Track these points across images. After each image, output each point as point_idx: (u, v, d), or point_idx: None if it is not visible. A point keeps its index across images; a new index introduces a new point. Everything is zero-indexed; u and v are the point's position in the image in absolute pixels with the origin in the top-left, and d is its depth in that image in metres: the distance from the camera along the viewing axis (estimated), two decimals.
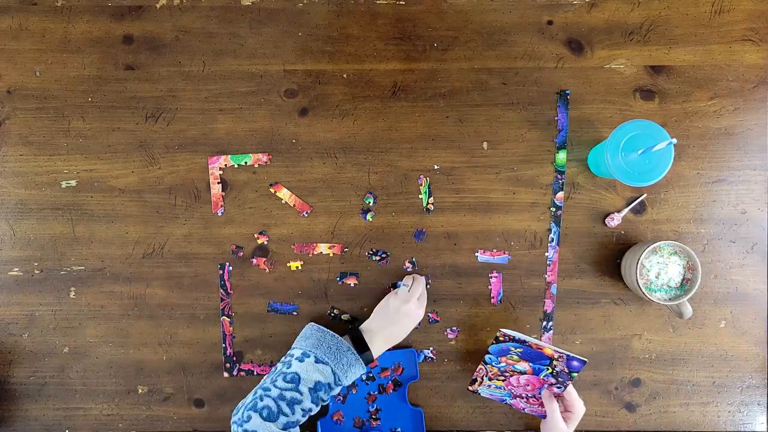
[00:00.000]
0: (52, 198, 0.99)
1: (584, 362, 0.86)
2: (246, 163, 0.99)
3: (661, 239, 0.93)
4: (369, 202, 0.99)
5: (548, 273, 0.99)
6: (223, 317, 0.99)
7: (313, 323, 0.93)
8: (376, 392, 0.98)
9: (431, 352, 1.00)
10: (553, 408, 0.90)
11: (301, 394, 0.84)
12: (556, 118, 0.98)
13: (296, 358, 0.87)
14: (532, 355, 0.88)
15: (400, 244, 0.99)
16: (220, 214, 0.98)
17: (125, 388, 1.00)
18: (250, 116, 0.99)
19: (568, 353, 0.86)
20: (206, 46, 0.99)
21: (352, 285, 0.99)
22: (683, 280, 0.92)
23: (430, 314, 0.99)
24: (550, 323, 0.99)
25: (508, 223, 0.99)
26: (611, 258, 0.99)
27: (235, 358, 1.00)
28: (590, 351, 0.99)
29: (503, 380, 0.93)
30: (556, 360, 0.87)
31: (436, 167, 0.99)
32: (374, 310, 0.95)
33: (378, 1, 0.99)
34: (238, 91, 0.99)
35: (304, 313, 1.00)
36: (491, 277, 0.99)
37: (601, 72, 0.99)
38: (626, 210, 0.98)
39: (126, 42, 0.99)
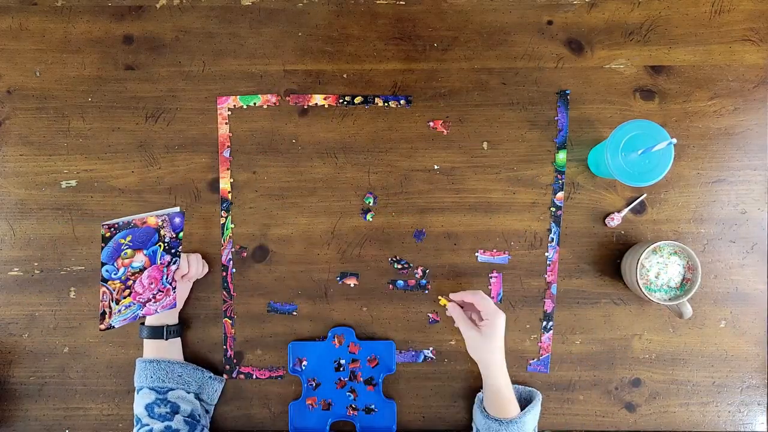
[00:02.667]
0: (52, 198, 0.99)
1: (182, 213, 0.85)
2: (255, 104, 0.99)
3: (661, 239, 0.93)
4: (369, 202, 0.99)
5: (548, 273, 0.99)
6: (225, 319, 0.99)
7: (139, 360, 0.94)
8: (347, 378, 0.98)
9: (431, 352, 1.00)
10: (459, 319, 0.91)
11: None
12: (556, 118, 0.99)
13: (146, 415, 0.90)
14: (142, 239, 0.83)
15: (400, 244, 0.99)
16: (227, 155, 0.98)
17: (125, 388, 1.00)
18: (250, 116, 0.99)
19: (168, 211, 0.83)
20: (206, 46, 0.99)
21: (352, 285, 0.99)
22: (683, 280, 0.92)
23: (430, 314, 0.99)
24: (550, 323, 0.99)
25: (508, 223, 0.99)
26: (611, 258, 0.99)
27: (235, 360, 1.00)
28: (590, 351, 0.99)
29: (129, 293, 0.87)
30: (163, 228, 0.84)
31: (436, 167, 0.99)
32: None
33: (378, 1, 0.99)
34: (238, 91, 0.99)
35: (304, 313, 1.00)
36: (491, 277, 0.99)
37: (601, 72, 0.99)
38: (626, 210, 0.98)
39: (126, 42, 0.99)
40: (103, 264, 0.81)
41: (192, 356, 0.99)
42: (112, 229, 0.79)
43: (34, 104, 0.99)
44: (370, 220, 0.99)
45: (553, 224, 0.99)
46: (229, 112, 0.99)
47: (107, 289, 0.83)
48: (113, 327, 0.86)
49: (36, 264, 0.99)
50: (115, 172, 0.99)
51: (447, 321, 1.00)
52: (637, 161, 0.85)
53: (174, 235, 0.85)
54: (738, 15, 0.99)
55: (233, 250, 0.99)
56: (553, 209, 0.99)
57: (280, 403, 1.00)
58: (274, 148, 0.99)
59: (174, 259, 0.87)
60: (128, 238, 0.81)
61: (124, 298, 0.85)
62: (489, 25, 0.99)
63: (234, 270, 0.99)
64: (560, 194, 0.99)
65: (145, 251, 0.84)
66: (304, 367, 0.98)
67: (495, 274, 0.99)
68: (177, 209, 0.84)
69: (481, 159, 0.99)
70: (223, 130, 0.99)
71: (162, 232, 0.84)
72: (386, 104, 0.98)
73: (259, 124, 0.99)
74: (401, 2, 0.99)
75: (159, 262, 0.86)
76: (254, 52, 0.99)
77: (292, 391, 0.99)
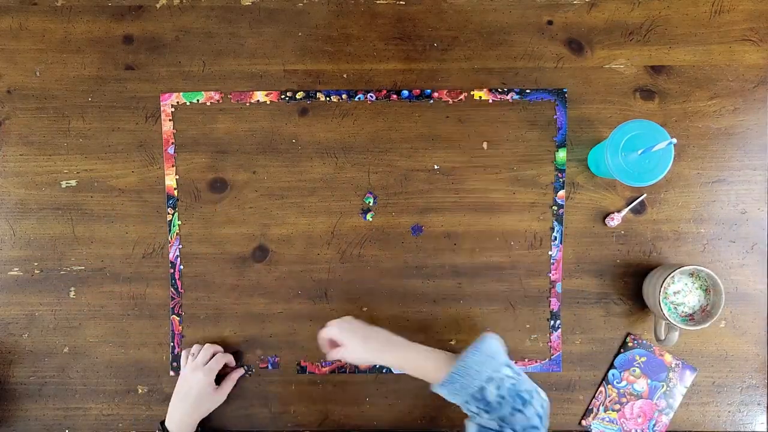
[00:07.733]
0: (52, 198, 0.99)
1: (695, 369, 0.92)
2: (198, 101, 0.98)
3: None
4: (369, 202, 0.99)
5: (552, 271, 0.99)
6: (173, 316, 0.99)
7: None
8: None
9: None
10: (331, 354, 0.89)
11: None
12: (555, 116, 0.98)
13: None
14: (653, 367, 0.94)
15: (400, 243, 0.99)
16: (171, 152, 0.98)
17: (125, 388, 1.00)
18: (250, 116, 0.99)
19: (683, 361, 0.90)
20: (206, 46, 0.99)
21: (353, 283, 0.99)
22: (696, 311, 0.93)
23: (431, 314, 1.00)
24: (558, 321, 0.99)
25: (508, 223, 0.99)
26: (611, 258, 0.99)
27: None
28: (590, 351, 0.99)
29: (618, 410, 0.95)
30: (673, 371, 0.91)
31: (436, 167, 0.99)
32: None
33: (378, 1, 0.99)
34: (238, 90, 0.99)
35: (304, 313, 1.00)
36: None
37: (601, 72, 0.99)
38: (626, 210, 0.98)
39: (126, 42, 0.99)
40: (612, 366, 0.96)
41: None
42: (635, 341, 0.95)
43: (34, 104, 0.99)
44: (370, 220, 0.99)
45: (555, 223, 0.99)
46: (173, 109, 0.98)
47: (605, 390, 0.96)
48: (590, 430, 0.97)
49: (36, 264, 0.99)
50: (115, 172, 0.99)
51: (447, 321, 1.00)
52: (637, 161, 0.85)
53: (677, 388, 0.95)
54: (738, 15, 0.99)
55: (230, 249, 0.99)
56: (555, 207, 0.99)
57: (280, 403, 1.00)
58: (274, 148, 0.99)
59: (666, 412, 0.95)
60: (643, 359, 0.95)
61: (612, 410, 0.96)
62: (489, 25, 0.99)
63: (182, 267, 0.99)
64: (561, 192, 0.99)
65: (650, 381, 0.95)
66: None
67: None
68: (694, 367, 0.94)
69: (481, 159, 0.99)
70: (167, 126, 0.98)
71: (671, 375, 0.93)
72: (349, 99, 0.98)
73: (259, 123, 0.99)
74: (401, 2, 0.99)
75: (655, 401, 0.93)
76: (254, 52, 0.99)
77: (293, 391, 0.99)
